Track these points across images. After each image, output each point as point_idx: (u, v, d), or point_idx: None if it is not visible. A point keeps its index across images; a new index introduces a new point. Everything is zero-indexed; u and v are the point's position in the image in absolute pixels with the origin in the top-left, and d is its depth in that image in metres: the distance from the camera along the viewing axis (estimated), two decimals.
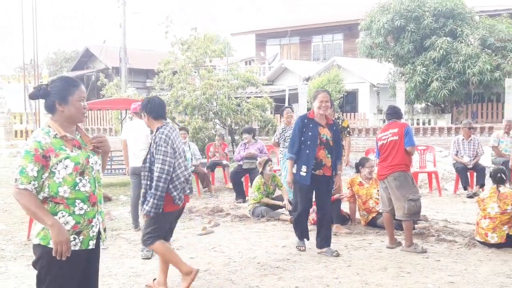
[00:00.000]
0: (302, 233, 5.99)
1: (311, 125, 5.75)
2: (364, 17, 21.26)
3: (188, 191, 4.66)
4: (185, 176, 4.58)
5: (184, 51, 16.51)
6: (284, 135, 8.73)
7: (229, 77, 16.47)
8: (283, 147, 8.75)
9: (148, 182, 4.48)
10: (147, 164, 4.54)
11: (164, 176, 4.37)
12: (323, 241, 5.85)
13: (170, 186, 4.45)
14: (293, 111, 9.65)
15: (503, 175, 6.16)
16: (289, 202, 7.82)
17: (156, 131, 4.55)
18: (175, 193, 4.47)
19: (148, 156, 4.55)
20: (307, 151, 5.68)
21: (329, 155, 5.73)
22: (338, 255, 5.71)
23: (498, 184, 6.12)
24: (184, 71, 15.99)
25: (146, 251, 5.81)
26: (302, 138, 5.73)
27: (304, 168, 5.68)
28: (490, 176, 6.29)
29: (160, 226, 4.51)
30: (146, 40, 61.61)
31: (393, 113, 6.30)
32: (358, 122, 21.23)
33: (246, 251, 6.02)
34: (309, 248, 6.04)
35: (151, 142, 4.57)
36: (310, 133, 5.70)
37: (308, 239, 6.02)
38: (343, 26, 28.95)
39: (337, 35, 30.07)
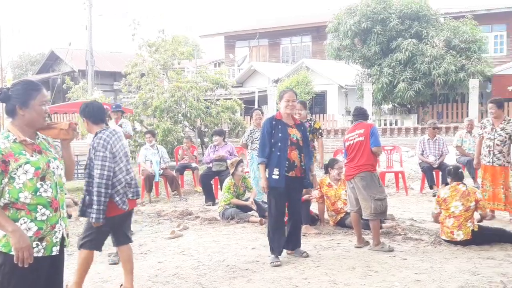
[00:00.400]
0: (278, 247, 5.64)
1: (279, 126, 5.64)
2: (331, 19, 21.50)
3: (131, 195, 4.56)
4: (127, 180, 4.52)
5: (152, 53, 16.38)
6: (252, 136, 8.74)
7: (198, 79, 16.41)
8: (251, 149, 8.76)
9: (89, 188, 4.40)
10: (87, 170, 4.48)
11: (104, 181, 4.32)
12: (293, 242, 5.84)
13: (112, 191, 4.39)
14: (262, 113, 9.67)
15: (462, 172, 6.38)
16: (255, 201, 7.92)
17: (95, 136, 4.49)
18: (117, 198, 4.41)
19: (88, 162, 4.49)
20: (278, 153, 5.57)
21: (300, 155, 5.66)
22: (307, 256, 5.72)
23: (458, 181, 6.25)
24: (152, 74, 15.87)
25: (114, 256, 5.73)
26: (272, 140, 5.62)
27: (276, 171, 5.55)
28: (449, 174, 6.38)
29: (99, 231, 4.45)
30: (114, 43, 60.93)
31: (360, 114, 6.37)
32: (327, 123, 21.42)
33: (215, 254, 5.99)
34: None
35: (90, 148, 4.51)
36: (280, 135, 5.60)
37: (280, 253, 5.71)
38: (311, 28, 29.18)
39: (305, 37, 30.28)
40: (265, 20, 32.55)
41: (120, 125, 9.36)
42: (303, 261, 5.58)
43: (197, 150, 12.46)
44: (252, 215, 7.84)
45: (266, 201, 8.65)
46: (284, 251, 5.81)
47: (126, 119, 12.10)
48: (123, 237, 4.69)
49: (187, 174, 11.89)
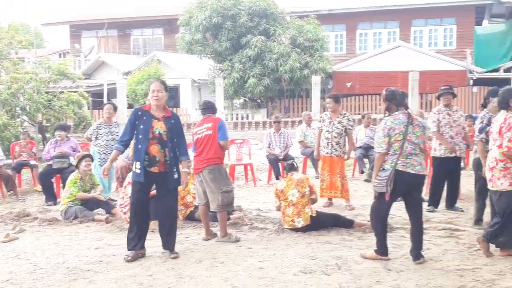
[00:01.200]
0: (132, 242, 5.43)
1: (144, 118, 5.39)
2: (182, 13, 21.42)
3: None
4: None
5: None
6: (97, 131, 8.32)
7: (38, 70, 15.24)
8: (93, 144, 8.34)
9: None
10: None
11: None
12: (164, 242, 5.57)
13: None
14: (115, 108, 9.21)
15: (294, 163, 6.90)
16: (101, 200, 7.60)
17: None
18: None
19: None
20: (139, 146, 5.34)
21: (162, 150, 5.40)
22: (175, 257, 5.42)
23: (291, 171, 6.70)
24: None
25: None
26: (135, 132, 5.39)
27: (138, 165, 5.34)
28: (285, 169, 6.90)
29: None
30: None
31: (208, 108, 6.40)
32: (180, 118, 21.23)
33: (55, 256, 5.60)
34: (124, 247, 5.87)
35: None
36: (141, 127, 5.36)
37: (142, 247, 5.51)
38: (162, 20, 28.77)
39: (157, 30, 29.79)
40: (115, 10, 31.31)
41: None
42: (149, 258, 5.45)
43: (36, 146, 11.55)
44: (98, 213, 7.49)
45: (113, 198, 8.38)
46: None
47: None
48: None
49: (25, 173, 11.01)
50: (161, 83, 5.58)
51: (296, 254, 5.46)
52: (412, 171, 5.03)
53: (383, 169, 5.08)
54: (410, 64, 20.70)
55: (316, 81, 19.57)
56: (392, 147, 5.06)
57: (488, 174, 5.28)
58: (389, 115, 5.19)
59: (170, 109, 5.76)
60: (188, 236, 6.41)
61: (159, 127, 5.40)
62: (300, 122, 16.54)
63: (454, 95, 7.64)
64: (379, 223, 5.24)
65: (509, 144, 4.98)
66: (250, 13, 20.45)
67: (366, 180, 10.21)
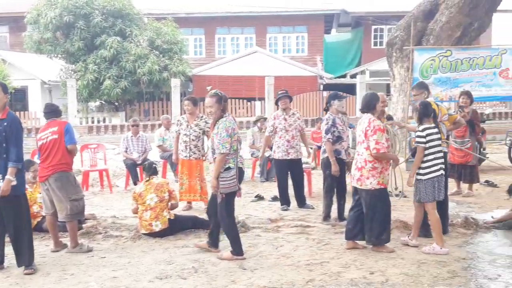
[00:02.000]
0: None
1: None
2: (30, 10, 20.02)
3: None
4: None
5: None
6: None
7: None
8: None
9: None
10: None
11: None
12: (19, 256, 5.13)
13: None
14: None
15: (155, 165, 6.77)
16: None
17: None
18: None
19: None
20: None
21: None
22: (30, 273, 5.02)
23: (151, 174, 6.54)
24: None
25: None
26: None
27: None
28: (144, 170, 6.73)
29: None
30: None
31: (51, 112, 6.06)
32: (28, 122, 19.96)
33: None
34: None
35: None
36: None
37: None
38: (8, 18, 26.56)
39: (1, 28, 27.43)
40: None
41: None
42: None
43: None
44: None
45: None
46: None
47: None
48: None
49: None
50: None
51: (153, 260, 5.34)
52: (243, 168, 5.55)
53: (228, 168, 5.18)
54: (266, 69, 21.50)
55: (175, 84, 19.52)
56: (232, 147, 5.24)
57: (356, 174, 5.56)
58: (221, 117, 5.34)
59: (16, 112, 5.37)
60: (35, 248, 5.93)
61: None
62: (160, 125, 16.31)
63: (291, 99, 8.06)
64: (231, 224, 5.32)
65: (376, 146, 5.35)
66: (105, 13, 19.73)
67: None
